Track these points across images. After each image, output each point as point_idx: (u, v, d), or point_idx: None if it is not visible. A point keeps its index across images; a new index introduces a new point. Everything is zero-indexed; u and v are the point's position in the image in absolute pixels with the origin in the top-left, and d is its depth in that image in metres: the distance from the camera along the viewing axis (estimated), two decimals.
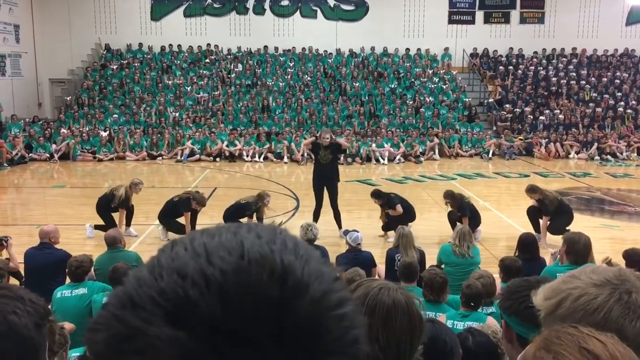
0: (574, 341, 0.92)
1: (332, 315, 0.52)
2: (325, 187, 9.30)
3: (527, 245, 5.95)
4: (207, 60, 22.99)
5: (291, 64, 23.00)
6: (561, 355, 0.91)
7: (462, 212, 8.94)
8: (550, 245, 7.95)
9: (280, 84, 21.97)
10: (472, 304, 4.37)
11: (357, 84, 21.95)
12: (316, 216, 9.30)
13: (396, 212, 9.00)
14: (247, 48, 23.50)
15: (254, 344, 0.48)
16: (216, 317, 0.48)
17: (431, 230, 9.80)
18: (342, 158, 17.78)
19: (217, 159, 17.96)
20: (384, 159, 17.74)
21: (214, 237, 0.55)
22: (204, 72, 22.37)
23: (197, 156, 18.03)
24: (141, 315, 0.49)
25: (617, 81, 22.42)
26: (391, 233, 8.55)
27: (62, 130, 18.46)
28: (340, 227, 9.23)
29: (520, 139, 19.44)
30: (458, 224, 8.05)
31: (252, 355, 0.48)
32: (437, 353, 2.15)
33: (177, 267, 0.51)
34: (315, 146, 9.35)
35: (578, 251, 4.61)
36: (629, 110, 20.89)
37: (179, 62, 22.91)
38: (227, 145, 18.20)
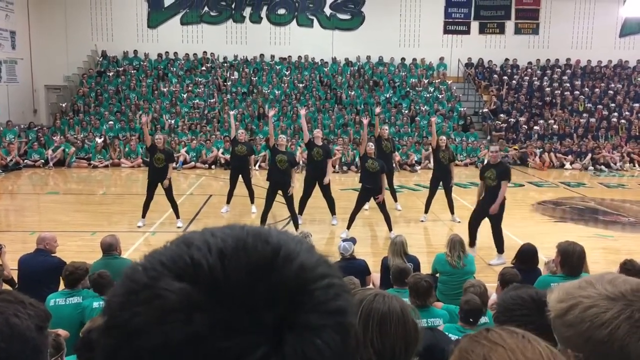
0: (481, 353, 0.95)
1: (319, 283, 0.58)
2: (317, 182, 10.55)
3: (529, 257, 5.86)
4: (204, 68, 23.01)
5: (287, 72, 23.05)
6: None
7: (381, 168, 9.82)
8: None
9: (276, 92, 22.02)
10: (470, 319, 4.33)
11: (352, 93, 22.03)
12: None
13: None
14: (244, 56, 23.55)
15: (247, 298, 0.55)
16: (216, 275, 0.55)
17: (426, 239, 9.81)
18: (337, 166, 17.87)
19: (213, 167, 17.96)
20: None
21: (218, 227, 0.64)
22: (200, 79, 22.40)
23: (192, 163, 18.02)
24: (151, 274, 0.57)
25: (611, 92, 22.57)
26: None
27: (54, 138, 18.34)
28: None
29: (515, 149, 19.53)
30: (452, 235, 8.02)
31: (244, 307, 0.54)
32: None
33: (184, 239, 0.61)
34: (310, 144, 10.64)
35: (572, 263, 4.62)
36: (622, 121, 21.05)
37: (175, 69, 22.93)
38: (222, 153, 18.20)
